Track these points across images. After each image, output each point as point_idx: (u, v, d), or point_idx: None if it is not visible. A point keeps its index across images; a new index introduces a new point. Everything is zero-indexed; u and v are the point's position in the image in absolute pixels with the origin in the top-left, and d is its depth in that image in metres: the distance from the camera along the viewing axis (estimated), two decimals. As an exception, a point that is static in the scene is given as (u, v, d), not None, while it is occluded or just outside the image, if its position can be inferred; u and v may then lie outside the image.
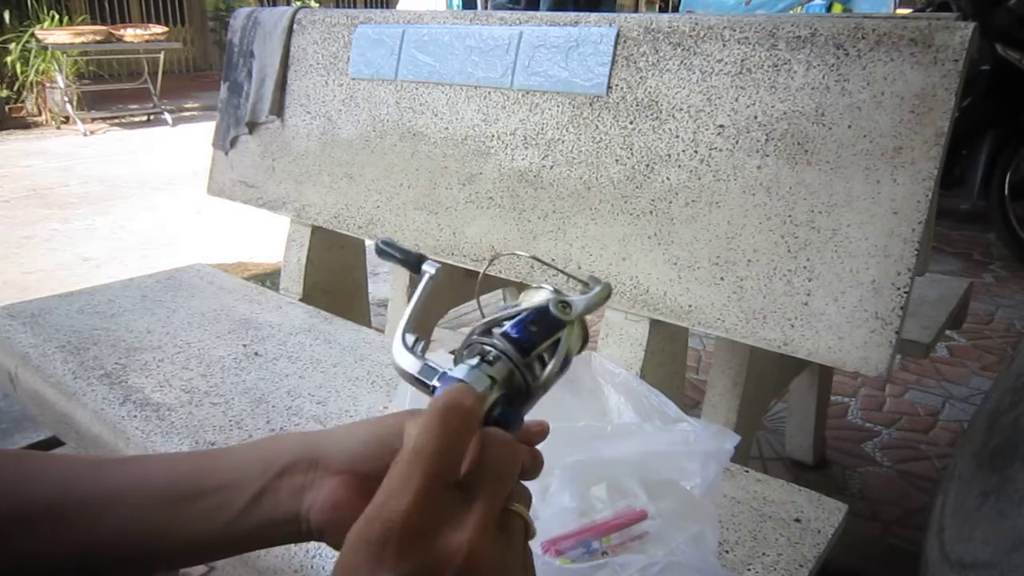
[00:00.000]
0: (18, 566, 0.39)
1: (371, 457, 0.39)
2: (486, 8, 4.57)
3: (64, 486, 0.40)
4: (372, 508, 0.31)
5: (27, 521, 0.39)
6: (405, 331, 0.42)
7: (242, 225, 3.63)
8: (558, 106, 1.07)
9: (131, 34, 6.65)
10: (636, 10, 11.53)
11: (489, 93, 1.15)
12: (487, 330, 0.40)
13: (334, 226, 1.38)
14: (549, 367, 0.39)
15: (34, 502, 0.39)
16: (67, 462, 0.42)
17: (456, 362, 0.39)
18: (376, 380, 1.03)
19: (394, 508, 0.31)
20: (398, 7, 5.04)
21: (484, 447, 0.34)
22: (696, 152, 0.95)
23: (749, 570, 0.69)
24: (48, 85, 6.47)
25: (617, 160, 1.02)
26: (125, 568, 0.41)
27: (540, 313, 0.40)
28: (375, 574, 0.30)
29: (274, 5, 3.11)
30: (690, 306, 0.95)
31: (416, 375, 0.40)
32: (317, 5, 8.92)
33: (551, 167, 1.08)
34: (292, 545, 0.72)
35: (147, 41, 6.72)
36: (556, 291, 0.41)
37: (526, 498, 0.37)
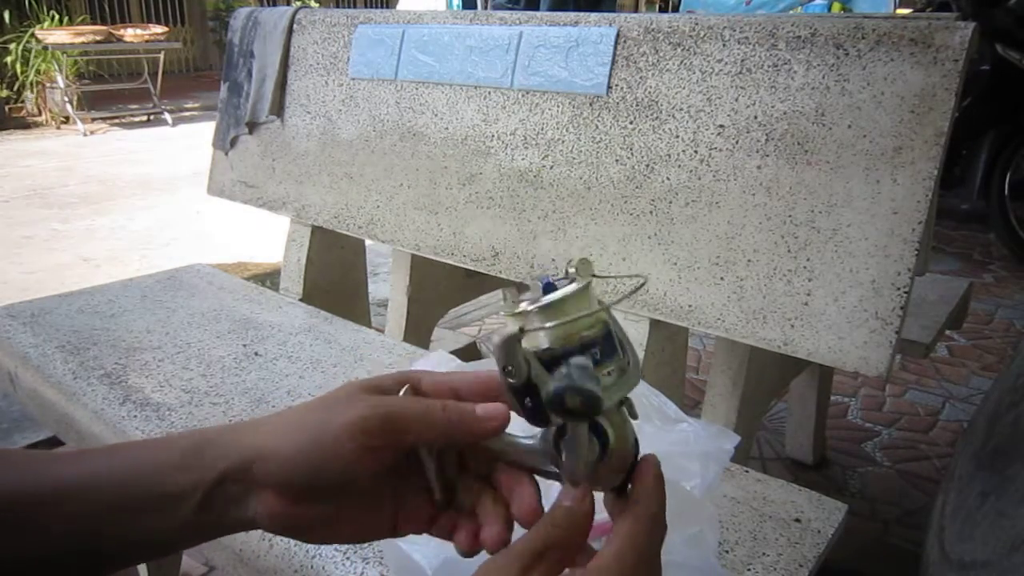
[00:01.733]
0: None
1: (307, 469, 0.36)
2: (486, 8, 4.57)
3: (18, 482, 0.37)
4: None
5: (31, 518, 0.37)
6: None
7: (242, 225, 3.63)
8: (558, 106, 1.07)
9: (131, 34, 6.65)
10: (636, 10, 11.53)
11: (489, 93, 1.15)
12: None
13: (334, 226, 1.38)
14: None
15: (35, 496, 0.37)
16: (23, 457, 0.39)
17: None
18: (376, 380, 1.03)
19: None
20: (398, 7, 5.03)
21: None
22: (696, 152, 0.95)
23: (749, 570, 0.69)
24: (48, 85, 6.47)
25: (617, 160, 1.02)
26: (89, 563, 0.38)
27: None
28: None
29: (274, 5, 3.11)
30: (690, 306, 0.95)
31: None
32: (317, 5, 8.91)
33: (551, 167, 1.08)
34: (292, 545, 0.73)
35: (147, 41, 6.72)
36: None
37: None
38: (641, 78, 1.00)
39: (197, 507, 0.37)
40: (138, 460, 0.38)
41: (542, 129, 1.09)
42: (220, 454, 0.37)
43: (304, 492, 0.37)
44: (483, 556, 0.37)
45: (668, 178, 0.97)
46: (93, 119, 6.59)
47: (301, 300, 1.41)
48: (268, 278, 2.84)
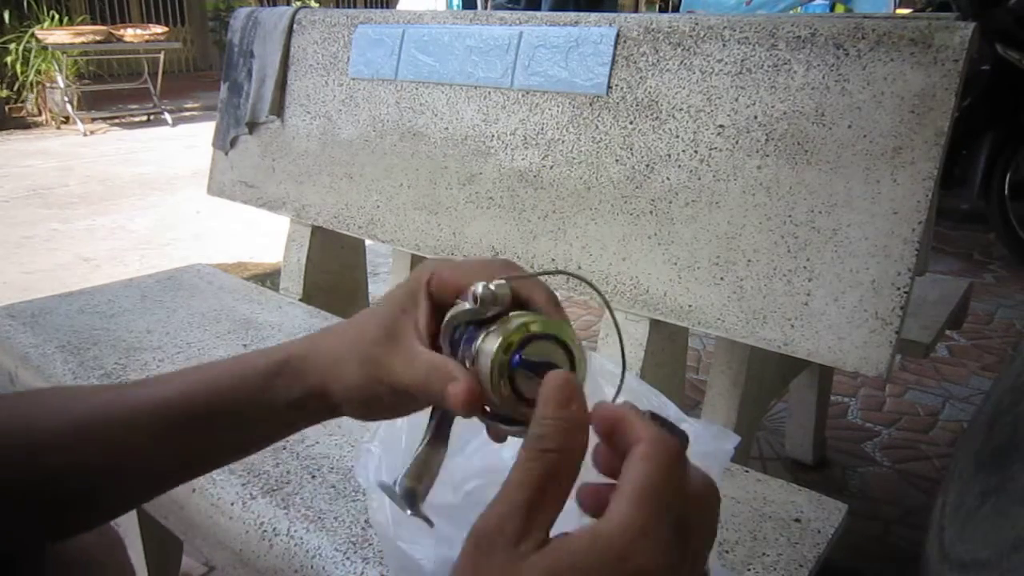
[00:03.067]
0: (51, 478, 0.42)
1: (367, 395, 0.42)
2: (486, 8, 4.57)
3: (87, 411, 0.43)
4: (607, 542, 0.28)
5: (54, 443, 0.42)
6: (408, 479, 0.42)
7: (242, 225, 3.63)
8: (558, 106, 1.07)
9: (131, 34, 6.65)
10: (636, 10, 11.53)
11: (489, 93, 1.15)
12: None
13: (334, 226, 1.38)
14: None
15: (60, 426, 0.42)
16: (89, 391, 0.46)
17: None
18: (376, 380, 1.03)
19: (647, 562, 0.28)
20: (398, 7, 5.04)
21: (704, 498, 0.31)
22: (696, 152, 0.95)
23: (749, 570, 0.69)
24: (48, 85, 6.47)
25: (617, 160, 1.02)
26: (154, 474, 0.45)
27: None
28: None
29: (274, 5, 3.11)
30: (690, 306, 0.95)
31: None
32: (317, 5, 8.91)
33: (551, 167, 1.08)
34: (292, 545, 0.73)
35: (147, 41, 6.72)
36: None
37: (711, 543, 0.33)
38: (641, 78, 1.00)
39: (284, 415, 0.44)
40: (220, 384, 0.44)
41: (542, 129, 1.09)
42: (296, 379, 0.43)
43: (368, 403, 0.43)
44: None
45: (668, 178, 0.97)
46: (93, 119, 6.59)
47: (301, 300, 1.41)
48: (268, 278, 2.84)
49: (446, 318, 0.42)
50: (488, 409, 0.39)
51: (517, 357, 0.37)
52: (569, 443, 0.31)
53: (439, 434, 0.42)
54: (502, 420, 0.39)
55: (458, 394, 0.37)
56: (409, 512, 0.40)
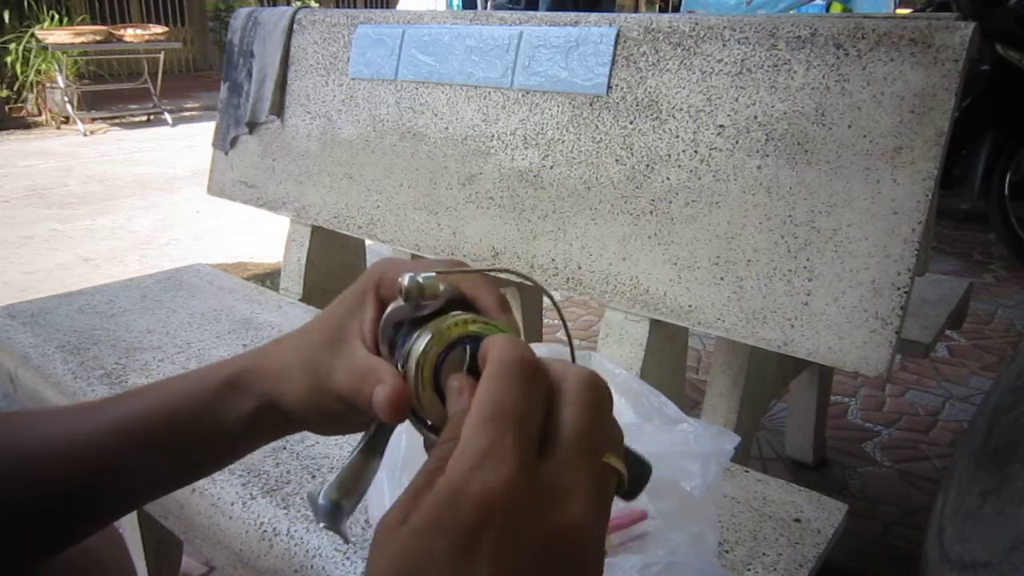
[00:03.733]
0: (10, 503, 0.42)
1: (316, 408, 0.41)
2: (486, 8, 4.57)
3: (52, 440, 0.43)
4: (447, 482, 0.26)
5: (14, 477, 0.42)
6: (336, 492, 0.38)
7: (242, 225, 3.63)
8: (558, 106, 1.07)
9: (131, 34, 6.65)
10: (636, 10, 11.53)
11: (489, 93, 1.15)
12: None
13: (334, 226, 1.38)
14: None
15: (20, 457, 0.42)
16: (53, 413, 0.46)
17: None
18: (376, 380, 1.03)
19: (490, 481, 0.25)
20: (398, 7, 5.04)
21: (577, 397, 0.29)
22: (696, 152, 0.95)
23: (749, 570, 0.69)
24: (48, 85, 6.47)
25: (617, 160, 1.02)
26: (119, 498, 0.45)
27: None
28: (469, 570, 0.24)
29: (274, 5, 3.11)
30: (690, 306, 0.95)
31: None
32: (317, 5, 8.92)
33: (551, 167, 1.08)
34: (292, 545, 0.73)
35: (147, 41, 6.72)
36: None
37: (618, 441, 0.30)
38: (641, 78, 1.00)
39: (242, 430, 0.43)
40: (175, 403, 0.43)
41: (542, 129, 1.09)
42: (245, 394, 0.42)
43: (321, 413, 0.41)
44: None
45: (668, 178, 0.97)
46: (93, 119, 6.59)
47: (301, 300, 1.41)
48: (268, 278, 2.84)
49: (383, 317, 0.39)
50: (420, 416, 0.36)
51: (445, 358, 0.34)
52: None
53: (373, 445, 0.39)
54: (434, 429, 0.35)
55: (381, 397, 0.35)
56: (323, 525, 0.37)
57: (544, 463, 0.27)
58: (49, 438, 0.43)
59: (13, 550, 0.43)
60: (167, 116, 6.71)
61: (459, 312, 0.36)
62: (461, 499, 0.25)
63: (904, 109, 0.80)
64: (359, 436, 0.41)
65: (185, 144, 5.79)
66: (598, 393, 0.29)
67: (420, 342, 0.35)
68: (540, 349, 0.50)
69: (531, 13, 1.15)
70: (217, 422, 0.42)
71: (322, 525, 0.37)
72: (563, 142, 1.07)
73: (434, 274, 0.36)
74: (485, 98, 1.16)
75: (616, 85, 1.02)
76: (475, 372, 0.33)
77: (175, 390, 0.44)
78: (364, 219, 1.33)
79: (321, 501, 0.37)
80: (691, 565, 0.58)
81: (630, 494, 0.32)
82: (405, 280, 0.35)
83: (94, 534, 0.46)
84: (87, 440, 0.42)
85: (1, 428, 0.44)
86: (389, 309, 0.39)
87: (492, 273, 0.41)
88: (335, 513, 0.37)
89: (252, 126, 1.51)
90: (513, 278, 0.42)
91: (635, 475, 0.32)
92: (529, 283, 0.38)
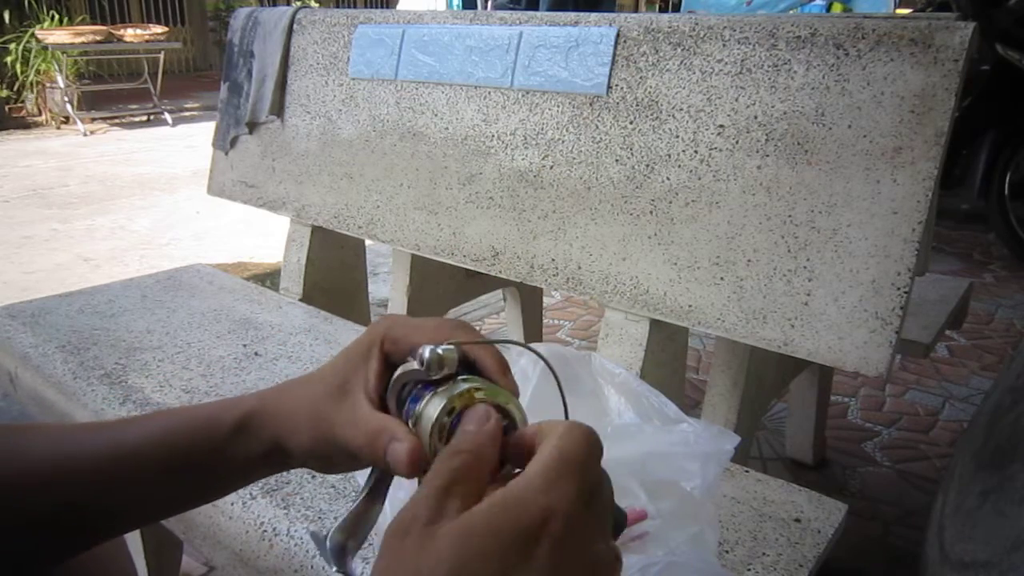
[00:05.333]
0: (10, 528, 0.43)
1: (323, 456, 0.43)
2: (486, 8, 4.57)
3: (55, 457, 0.44)
4: (513, 492, 0.31)
5: (18, 490, 0.43)
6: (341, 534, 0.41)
7: (242, 225, 3.63)
8: (558, 106, 1.07)
9: (131, 34, 6.65)
10: (636, 10, 11.53)
11: (489, 93, 1.15)
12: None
13: (334, 226, 1.38)
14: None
15: (25, 473, 0.43)
16: (56, 430, 0.47)
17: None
18: (376, 380, 1.03)
19: (555, 500, 0.30)
20: (398, 7, 5.03)
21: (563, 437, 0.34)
22: (696, 152, 0.95)
23: (749, 570, 0.69)
24: (48, 85, 6.47)
25: (617, 160, 1.02)
26: (119, 521, 0.47)
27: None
28: (524, 569, 0.29)
29: (274, 5, 3.11)
30: (690, 306, 0.95)
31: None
32: (317, 5, 8.91)
33: (551, 167, 1.08)
34: (292, 545, 0.73)
35: (147, 41, 6.72)
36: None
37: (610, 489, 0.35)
38: (641, 78, 1.00)
39: (247, 469, 0.45)
40: (179, 439, 0.45)
41: (542, 129, 1.09)
42: (255, 437, 0.44)
43: (324, 459, 0.44)
44: None
45: (668, 178, 0.97)
46: (93, 119, 6.59)
47: (301, 300, 1.41)
48: (268, 278, 2.84)
49: (394, 376, 0.42)
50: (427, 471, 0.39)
51: (457, 422, 0.37)
52: (481, 448, 0.34)
53: (377, 490, 0.42)
54: None
55: (400, 455, 0.38)
56: (335, 569, 0.40)
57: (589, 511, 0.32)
58: (53, 454, 0.44)
59: (16, 558, 0.44)
60: (167, 116, 6.71)
61: (467, 377, 0.40)
62: (526, 506, 0.30)
63: (904, 109, 0.80)
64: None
65: (185, 144, 5.79)
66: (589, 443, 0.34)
67: (434, 406, 0.38)
68: (539, 349, 0.50)
69: (531, 13, 1.15)
70: (222, 460, 0.44)
71: (334, 569, 0.40)
72: (563, 142, 1.07)
73: (453, 347, 0.39)
74: (485, 98, 1.16)
75: (616, 85, 1.02)
76: None
77: (181, 423, 0.45)
78: (364, 219, 1.33)
79: (328, 542, 0.40)
80: (691, 565, 0.58)
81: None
82: (427, 353, 0.38)
83: (90, 549, 0.47)
84: (87, 462, 0.44)
85: (13, 440, 0.45)
86: (400, 371, 0.42)
87: (504, 344, 0.44)
88: (340, 553, 0.40)
89: (252, 126, 1.51)
90: (525, 351, 0.46)
91: (617, 522, 0.37)
92: (535, 354, 0.43)
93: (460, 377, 0.39)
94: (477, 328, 2.34)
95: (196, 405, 0.47)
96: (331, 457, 0.43)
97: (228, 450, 0.44)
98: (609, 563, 0.31)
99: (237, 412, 0.44)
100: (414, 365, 0.40)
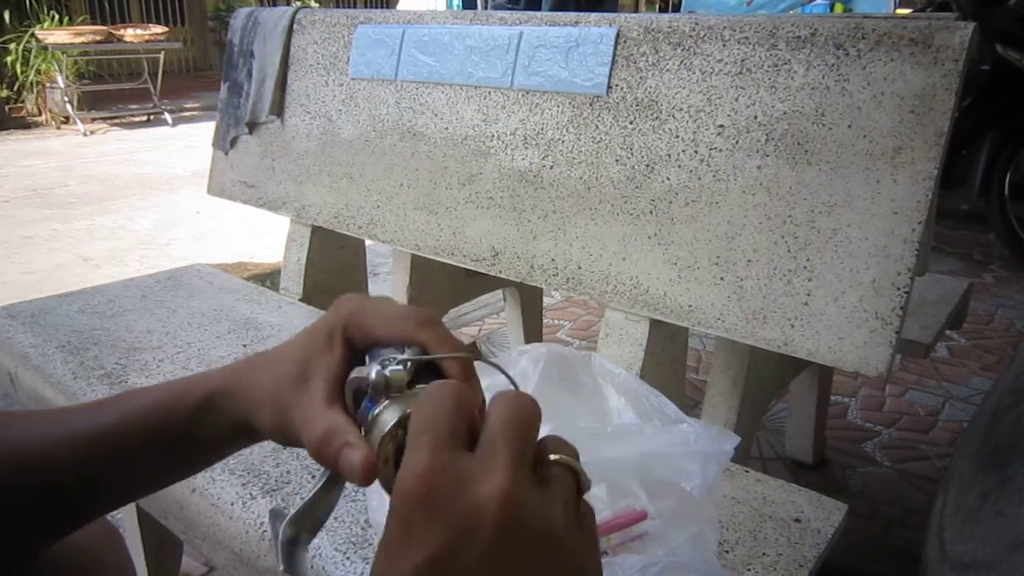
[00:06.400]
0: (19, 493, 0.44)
1: (289, 431, 0.42)
2: (486, 8, 4.57)
3: (37, 441, 0.45)
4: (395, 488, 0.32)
5: (2, 476, 0.43)
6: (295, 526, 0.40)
7: (242, 225, 3.63)
8: (558, 106, 1.07)
9: (131, 34, 6.64)
10: (636, 10, 11.53)
11: (489, 93, 1.15)
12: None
13: (334, 226, 1.38)
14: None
15: (8, 458, 0.44)
16: (38, 416, 0.48)
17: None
18: (376, 380, 1.03)
19: (403, 477, 0.30)
20: (398, 7, 5.04)
21: (495, 407, 0.33)
22: (696, 152, 0.95)
23: (749, 570, 0.69)
24: (48, 85, 6.47)
25: (617, 160, 1.02)
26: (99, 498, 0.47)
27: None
28: (412, 542, 0.29)
29: (274, 5, 3.11)
30: (690, 306, 0.95)
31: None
32: (317, 5, 8.92)
33: (551, 167, 1.08)
34: (292, 545, 0.72)
35: (147, 41, 6.71)
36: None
37: (570, 450, 0.35)
38: (641, 78, 1.00)
39: (218, 443, 0.46)
40: (149, 418, 0.45)
41: (542, 129, 1.09)
42: (222, 415, 0.44)
43: (290, 438, 0.43)
44: None
45: (668, 178, 0.97)
46: (93, 119, 6.59)
47: (301, 300, 1.41)
48: (268, 278, 2.84)
49: (348, 378, 0.41)
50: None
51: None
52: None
53: (332, 482, 0.41)
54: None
55: (354, 463, 0.37)
56: (282, 569, 0.39)
57: (463, 459, 0.31)
58: (30, 439, 0.45)
59: (4, 541, 0.44)
60: (167, 116, 6.71)
61: (427, 386, 0.37)
62: (393, 499, 0.31)
63: (904, 109, 0.80)
64: None
65: (185, 144, 5.79)
66: (517, 403, 0.33)
67: (388, 415, 0.37)
68: (540, 349, 0.50)
69: (531, 13, 1.15)
70: (193, 436, 0.45)
71: (281, 568, 0.39)
72: (563, 142, 1.07)
73: (401, 368, 0.38)
74: (485, 98, 1.16)
75: (616, 85, 1.02)
76: None
77: (153, 402, 0.45)
78: (364, 219, 1.33)
79: (280, 538, 0.39)
80: (691, 565, 0.58)
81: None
82: (372, 374, 0.37)
83: (76, 531, 0.48)
84: (63, 444, 0.44)
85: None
86: (354, 375, 0.41)
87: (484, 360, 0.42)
88: (292, 547, 0.40)
89: (252, 126, 1.51)
90: (487, 365, 0.44)
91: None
92: (494, 367, 0.41)
93: (419, 386, 0.38)
94: (476, 328, 2.33)
95: (169, 382, 0.46)
96: (294, 439, 0.42)
97: (196, 426, 0.44)
98: (507, 495, 0.30)
99: (202, 390, 0.45)
100: (364, 373, 0.39)
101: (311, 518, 0.40)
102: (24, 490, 0.44)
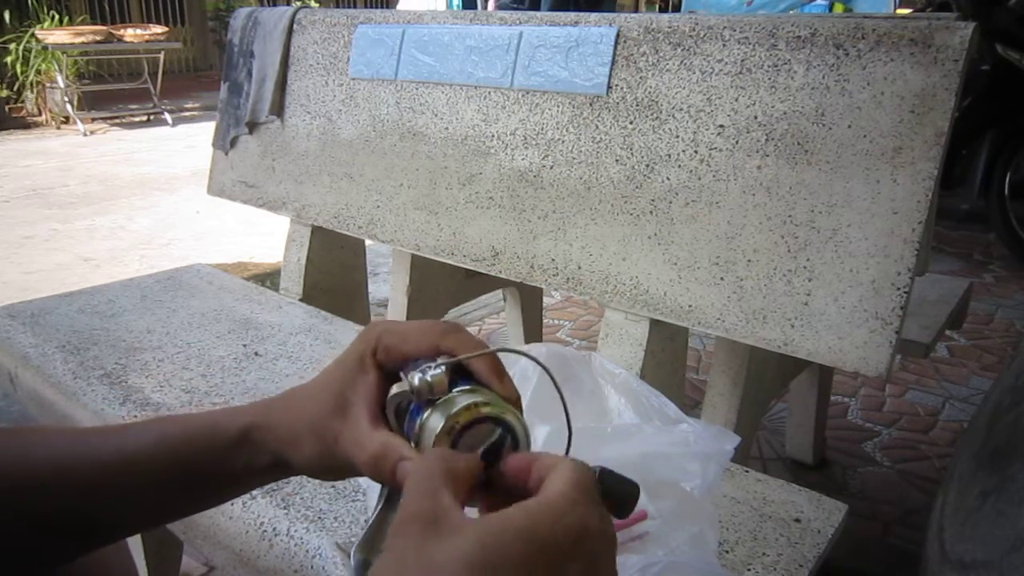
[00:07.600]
0: (13, 530, 0.43)
1: (324, 467, 0.44)
2: (486, 8, 4.57)
3: (58, 461, 0.44)
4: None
5: (22, 493, 0.43)
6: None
7: (242, 225, 3.63)
8: (558, 106, 1.07)
9: (131, 34, 6.64)
10: (636, 10, 11.53)
11: (489, 93, 1.15)
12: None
13: (334, 226, 1.38)
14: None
15: (29, 476, 0.44)
16: (60, 435, 0.47)
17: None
18: (376, 380, 1.03)
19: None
20: (398, 7, 5.03)
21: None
22: (696, 152, 0.95)
23: (749, 570, 0.69)
24: (48, 85, 6.47)
25: (617, 160, 1.02)
26: (122, 527, 0.47)
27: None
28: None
29: (274, 5, 3.11)
30: (690, 306, 0.95)
31: None
32: (317, 5, 8.91)
33: (551, 167, 1.08)
34: (292, 545, 0.73)
35: (147, 41, 6.71)
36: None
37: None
38: (641, 78, 1.00)
39: (250, 478, 0.46)
40: (181, 450, 0.45)
41: (542, 129, 1.09)
42: (258, 450, 0.45)
43: (328, 471, 0.45)
44: None
45: (668, 178, 0.97)
46: (93, 119, 6.59)
47: (301, 300, 1.41)
48: (268, 278, 2.84)
49: (389, 395, 0.43)
50: None
51: (460, 437, 0.38)
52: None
53: (391, 503, 0.42)
54: None
55: None
56: None
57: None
58: (55, 458, 0.45)
59: (17, 559, 0.44)
60: (167, 116, 6.71)
61: (465, 388, 0.40)
62: (562, 517, 0.32)
63: (904, 109, 0.80)
64: None
65: (185, 144, 5.79)
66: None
67: (434, 422, 0.38)
68: (540, 349, 0.50)
69: (531, 13, 1.15)
70: (225, 471, 0.45)
71: None
72: (563, 142, 1.07)
73: (441, 371, 0.39)
74: (485, 98, 1.16)
75: (616, 85, 1.02)
76: (495, 450, 0.39)
77: (183, 433, 0.46)
78: (364, 219, 1.33)
79: (352, 561, 0.40)
80: (691, 565, 0.58)
81: (621, 513, 0.37)
82: (415, 381, 0.39)
83: (91, 552, 0.47)
84: (83, 467, 0.44)
85: (15, 442, 0.46)
86: (395, 391, 0.43)
87: (505, 352, 0.44)
88: (364, 571, 0.40)
89: (252, 126, 1.51)
90: (512, 355, 0.46)
91: (622, 494, 0.37)
92: (531, 359, 0.43)
93: (457, 389, 0.39)
94: (476, 328, 2.33)
95: (199, 413, 0.47)
96: (334, 469, 0.44)
97: (230, 460, 0.45)
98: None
99: (239, 424, 0.45)
100: (407, 386, 0.40)
101: (378, 539, 0.41)
102: (40, 510, 0.44)
